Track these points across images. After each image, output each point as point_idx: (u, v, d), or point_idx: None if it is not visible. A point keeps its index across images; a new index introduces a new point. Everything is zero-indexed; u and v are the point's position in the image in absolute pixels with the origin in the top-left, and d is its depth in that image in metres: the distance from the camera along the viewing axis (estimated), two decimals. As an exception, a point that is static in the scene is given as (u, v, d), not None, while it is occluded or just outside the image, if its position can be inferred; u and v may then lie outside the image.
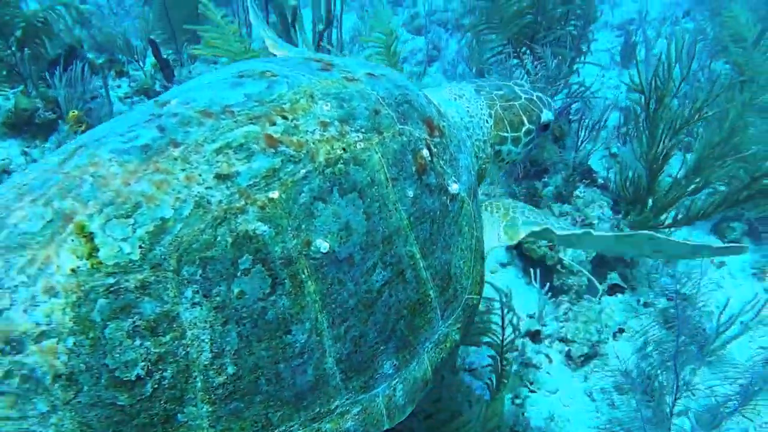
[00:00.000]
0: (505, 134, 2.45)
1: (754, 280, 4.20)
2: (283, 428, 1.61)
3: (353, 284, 1.66)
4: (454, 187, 1.97)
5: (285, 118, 1.69)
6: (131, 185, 1.52)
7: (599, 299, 3.88)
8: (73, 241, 1.44)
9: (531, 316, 3.74)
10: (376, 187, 1.73)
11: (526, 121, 2.47)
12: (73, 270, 1.41)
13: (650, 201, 4.05)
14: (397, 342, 1.80)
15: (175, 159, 1.57)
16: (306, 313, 1.58)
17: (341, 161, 1.68)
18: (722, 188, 4.14)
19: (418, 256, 1.82)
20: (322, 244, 1.59)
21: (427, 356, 1.90)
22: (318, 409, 1.66)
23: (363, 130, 1.77)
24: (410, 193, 1.81)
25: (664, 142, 3.58)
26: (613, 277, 4.05)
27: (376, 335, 1.73)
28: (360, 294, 1.68)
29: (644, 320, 3.83)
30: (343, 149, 1.70)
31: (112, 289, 1.41)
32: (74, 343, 1.37)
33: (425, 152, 1.89)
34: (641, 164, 3.92)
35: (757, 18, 5.96)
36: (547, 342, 3.76)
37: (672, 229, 4.12)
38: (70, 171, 1.61)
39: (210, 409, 1.50)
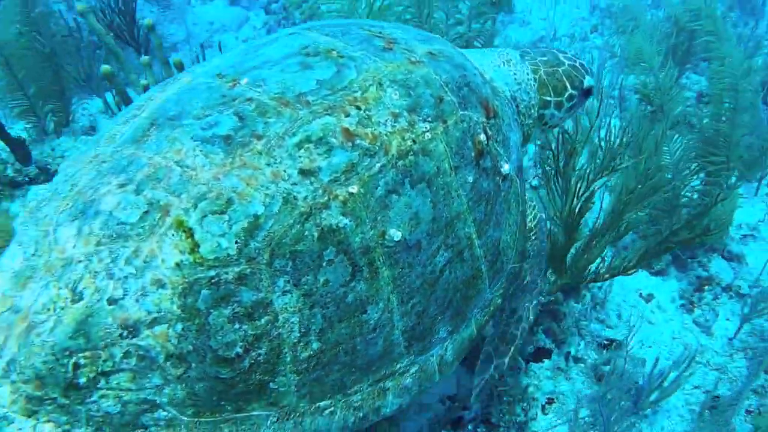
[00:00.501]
0: (549, 98, 2.56)
1: (683, 312, 4.05)
2: (355, 389, 1.86)
3: (420, 267, 1.85)
4: (505, 167, 2.12)
5: (358, 108, 1.79)
6: (221, 180, 1.64)
7: (525, 371, 3.52)
8: (173, 236, 1.58)
9: (452, 399, 3.29)
10: (441, 176, 1.87)
11: (569, 86, 2.57)
12: (177, 264, 1.56)
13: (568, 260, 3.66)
14: (452, 311, 2.02)
15: (260, 153, 1.68)
16: (380, 295, 1.77)
17: (411, 153, 1.81)
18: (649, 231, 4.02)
19: (474, 236, 2.00)
20: (396, 234, 1.76)
21: (474, 319, 2.14)
22: (383, 372, 1.91)
23: (429, 119, 1.88)
24: (470, 179, 1.96)
25: (577, 196, 3.24)
26: (539, 338, 3.65)
27: (436, 308, 1.94)
28: (425, 275, 1.87)
29: (575, 380, 3.55)
30: (413, 141, 1.82)
31: (213, 281, 1.58)
32: (182, 329, 1.56)
33: (482, 137, 2.01)
34: (556, 222, 3.56)
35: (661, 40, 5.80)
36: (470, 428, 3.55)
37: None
38: (153, 157, 1.72)
39: (296, 378, 1.72)
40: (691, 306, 4.05)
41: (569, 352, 3.61)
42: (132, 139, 1.83)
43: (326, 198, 1.67)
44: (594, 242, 3.49)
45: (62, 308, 1.56)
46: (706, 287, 4.11)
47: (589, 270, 3.59)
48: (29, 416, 1.58)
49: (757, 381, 3.47)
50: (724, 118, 4.33)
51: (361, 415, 1.90)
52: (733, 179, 4.14)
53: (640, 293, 4.06)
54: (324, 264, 1.67)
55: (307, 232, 1.64)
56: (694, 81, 6.11)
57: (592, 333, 3.69)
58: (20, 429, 1.57)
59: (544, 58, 2.64)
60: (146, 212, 1.62)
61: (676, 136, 4.01)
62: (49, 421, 1.58)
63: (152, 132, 1.79)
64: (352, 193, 1.70)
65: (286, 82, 1.83)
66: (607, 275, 3.56)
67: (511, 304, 2.60)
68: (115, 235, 1.61)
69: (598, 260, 3.57)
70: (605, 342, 3.62)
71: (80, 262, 1.60)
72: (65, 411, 1.57)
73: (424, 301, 1.89)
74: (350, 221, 1.70)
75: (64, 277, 1.59)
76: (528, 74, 2.54)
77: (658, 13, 7.27)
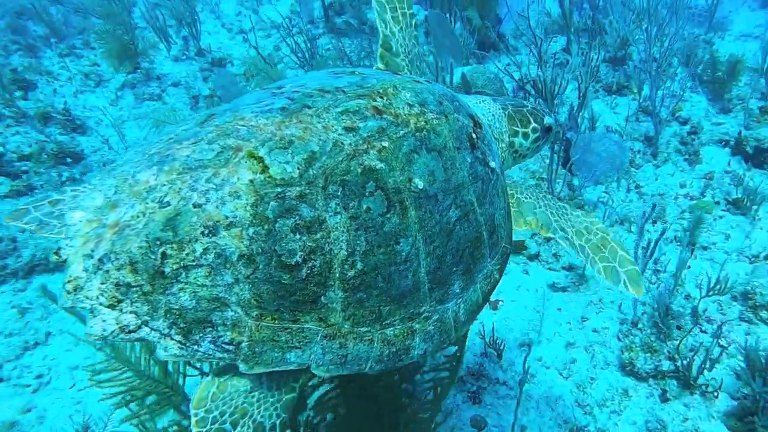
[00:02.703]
0: (517, 128, 3.21)
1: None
2: (388, 321, 2.14)
3: (438, 215, 2.27)
4: (492, 163, 2.67)
5: (382, 97, 2.36)
6: (282, 130, 2.10)
7: None
8: (246, 162, 1.99)
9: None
10: (448, 150, 2.39)
11: (532, 121, 3.25)
12: (251, 180, 1.95)
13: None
14: (463, 266, 2.39)
15: (311, 116, 2.17)
16: (409, 231, 2.16)
17: (425, 129, 2.35)
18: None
19: (475, 204, 2.46)
20: (419, 182, 2.21)
21: (480, 285, 2.50)
22: (411, 311, 2.21)
23: (435, 112, 2.46)
24: (468, 159, 2.49)
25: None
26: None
27: (451, 258, 2.32)
28: (442, 224, 2.28)
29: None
30: (425, 122, 2.37)
31: (279, 195, 1.96)
32: (253, 233, 1.90)
33: (474, 135, 2.60)
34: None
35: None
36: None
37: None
38: (219, 125, 2.18)
39: (343, 296, 2.02)
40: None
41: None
42: (196, 123, 2.28)
43: (366, 146, 2.14)
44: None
45: (152, 212, 1.88)
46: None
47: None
48: (113, 307, 1.81)
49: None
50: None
51: (394, 350, 2.15)
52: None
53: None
54: (366, 194, 2.07)
55: (352, 168, 2.08)
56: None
57: None
58: (104, 320, 1.78)
59: (512, 102, 3.36)
60: (220, 152, 2.03)
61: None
62: (131, 312, 1.80)
63: (214, 117, 2.25)
64: (385, 146, 2.18)
65: (323, 83, 2.39)
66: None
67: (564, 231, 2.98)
68: (194, 167, 2.00)
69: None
70: None
71: (164, 185, 1.95)
72: (147, 300, 1.81)
73: (442, 247, 2.27)
74: (385, 165, 2.15)
75: (150, 197, 1.93)
76: (498, 110, 3.22)
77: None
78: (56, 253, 1.90)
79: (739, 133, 6.78)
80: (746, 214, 5.99)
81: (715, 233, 5.79)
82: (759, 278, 5.04)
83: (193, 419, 1.90)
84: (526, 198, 2.98)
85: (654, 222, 5.99)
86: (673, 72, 8.06)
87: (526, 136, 3.21)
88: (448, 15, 8.07)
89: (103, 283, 1.81)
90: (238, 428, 1.91)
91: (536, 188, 3.23)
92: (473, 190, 2.46)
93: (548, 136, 3.38)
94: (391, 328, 2.16)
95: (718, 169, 6.58)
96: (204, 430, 1.88)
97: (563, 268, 5.80)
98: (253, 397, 1.98)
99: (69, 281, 1.82)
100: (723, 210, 6.10)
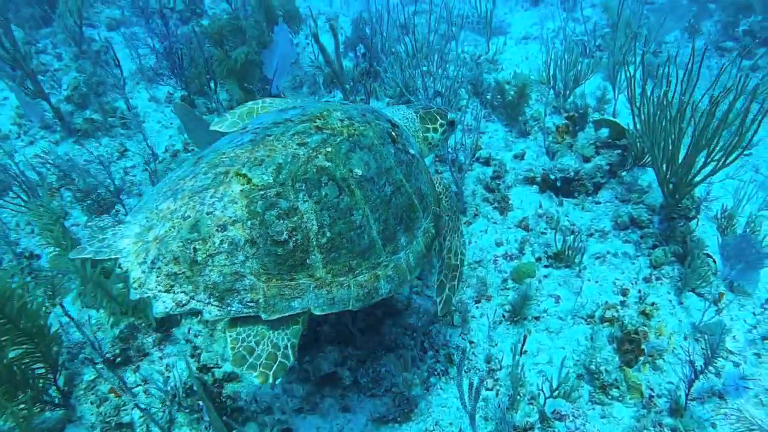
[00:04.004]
0: (428, 125, 4.25)
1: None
2: (358, 271, 3.15)
3: (377, 191, 3.28)
4: (411, 151, 3.71)
5: (320, 119, 3.40)
6: (254, 154, 3.13)
7: None
8: (235, 179, 3.02)
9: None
10: (375, 146, 3.42)
11: (439, 119, 4.29)
12: (241, 190, 2.98)
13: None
14: (404, 226, 3.41)
15: (273, 140, 3.21)
16: (358, 205, 3.18)
17: (355, 134, 3.38)
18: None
19: (404, 180, 3.48)
20: (358, 171, 3.23)
21: (420, 239, 3.52)
22: (373, 261, 3.22)
23: (360, 122, 3.49)
24: (392, 150, 3.52)
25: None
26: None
27: (394, 220, 3.34)
28: (382, 197, 3.29)
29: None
30: (354, 130, 3.41)
31: (263, 196, 2.98)
32: (251, 224, 2.92)
33: (393, 133, 3.63)
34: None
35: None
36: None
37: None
38: (208, 161, 3.20)
39: (321, 257, 3.03)
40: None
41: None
42: (189, 164, 3.33)
43: (315, 153, 3.17)
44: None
45: (179, 224, 2.93)
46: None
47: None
48: (168, 291, 2.83)
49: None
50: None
51: (366, 290, 3.17)
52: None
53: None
54: (322, 185, 3.10)
55: (309, 169, 3.10)
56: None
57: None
58: (164, 301, 2.82)
59: (420, 105, 4.42)
60: (215, 177, 3.07)
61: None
62: (181, 291, 2.83)
63: (202, 158, 3.29)
64: (329, 151, 3.21)
65: (275, 119, 3.47)
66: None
67: (446, 244, 3.90)
68: (199, 190, 3.04)
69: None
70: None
71: (182, 207, 2.99)
72: (190, 282, 2.84)
73: (384, 213, 3.29)
74: (331, 164, 3.18)
75: (175, 215, 2.97)
76: (412, 113, 4.27)
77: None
78: (119, 267, 2.97)
79: (544, 171, 6.29)
80: (571, 266, 5.46)
81: (544, 297, 5.17)
82: (711, 333, 4.71)
83: (228, 339, 2.92)
84: (444, 198, 4.02)
85: (477, 301, 5.11)
86: (465, 105, 7.39)
87: (435, 130, 4.27)
88: (212, 86, 7.39)
89: (158, 277, 2.85)
90: (261, 345, 2.91)
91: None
92: (400, 171, 3.48)
93: (453, 129, 4.41)
94: (361, 276, 3.17)
95: (531, 213, 5.96)
96: (236, 345, 2.89)
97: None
98: (270, 327, 2.98)
99: (134, 282, 2.87)
100: (546, 266, 5.49)
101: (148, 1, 10.30)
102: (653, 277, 5.31)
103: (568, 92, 7.57)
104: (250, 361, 2.84)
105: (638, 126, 5.53)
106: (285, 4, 8.90)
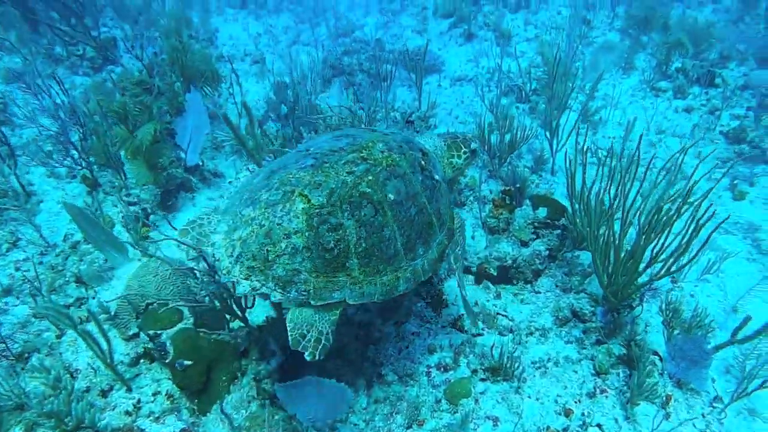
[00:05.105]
0: (453, 152, 5.38)
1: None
2: (383, 273, 4.20)
3: (404, 212, 4.31)
4: (436, 176, 4.74)
5: (365, 150, 4.42)
6: (314, 178, 4.14)
7: None
8: (299, 198, 4.02)
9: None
10: (406, 174, 4.44)
11: (463, 147, 5.41)
12: (303, 208, 3.99)
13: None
14: (423, 239, 4.44)
15: (328, 167, 4.21)
16: (389, 223, 4.21)
17: (392, 165, 4.40)
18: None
19: (426, 203, 4.51)
20: (391, 196, 4.26)
21: (435, 249, 4.57)
22: (396, 266, 4.26)
23: (396, 153, 4.50)
24: (419, 177, 4.53)
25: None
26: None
27: (415, 235, 4.37)
28: (407, 217, 4.32)
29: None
30: (392, 161, 4.43)
31: (318, 213, 4.00)
32: (308, 234, 3.94)
33: (422, 162, 4.65)
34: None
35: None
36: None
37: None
38: (279, 178, 4.21)
39: (357, 262, 4.08)
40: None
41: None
42: (264, 176, 4.37)
43: (359, 180, 4.19)
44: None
45: (257, 230, 3.95)
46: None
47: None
48: (247, 279, 3.87)
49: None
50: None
51: (388, 288, 4.22)
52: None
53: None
54: (363, 206, 4.11)
55: (353, 194, 4.11)
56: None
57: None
58: (244, 285, 3.90)
59: (448, 135, 5.52)
60: (284, 194, 4.05)
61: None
62: (256, 280, 3.87)
63: (274, 173, 4.34)
64: (370, 179, 4.22)
65: (331, 145, 4.46)
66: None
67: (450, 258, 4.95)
68: (272, 204, 4.03)
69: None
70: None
71: (259, 216, 4.00)
72: (263, 274, 3.87)
73: (408, 229, 4.33)
74: (371, 190, 4.18)
75: (254, 222, 3.98)
76: (440, 143, 5.39)
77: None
78: (213, 257, 4.05)
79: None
80: (509, 379, 5.33)
81: (481, 420, 5.03)
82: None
83: (289, 328, 3.96)
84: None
85: (408, 427, 4.99)
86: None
87: (459, 157, 5.42)
88: (122, 177, 7.18)
89: (240, 268, 3.92)
90: (310, 332, 3.98)
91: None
92: (424, 195, 4.55)
93: (474, 156, 5.55)
94: (386, 277, 4.25)
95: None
96: (295, 331, 3.96)
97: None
98: (315, 316, 4.04)
99: (224, 269, 3.95)
100: (482, 379, 5.34)
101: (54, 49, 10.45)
102: (597, 391, 5.24)
103: (503, 158, 8.05)
104: (303, 343, 3.93)
105: (579, 223, 5.84)
106: (202, 63, 9.12)
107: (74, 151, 7.57)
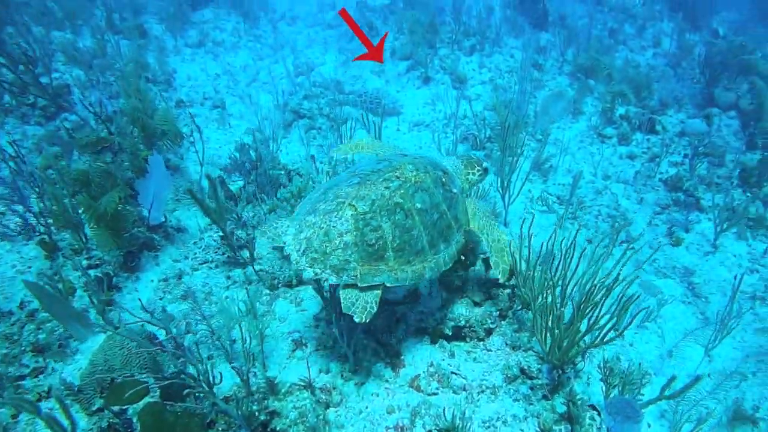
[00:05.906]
0: (469, 170, 6.51)
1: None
2: (413, 263, 5.16)
3: (429, 217, 5.30)
4: (455, 189, 5.78)
5: (398, 170, 5.45)
6: (359, 192, 5.14)
7: None
8: (347, 207, 5.01)
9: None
10: (430, 188, 5.46)
11: (477, 166, 6.55)
12: (351, 214, 4.97)
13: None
14: (443, 238, 5.44)
15: (370, 184, 5.21)
16: (416, 226, 5.20)
17: (419, 181, 5.44)
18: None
19: (446, 210, 5.54)
20: (418, 205, 5.25)
21: (454, 246, 5.58)
22: (422, 258, 5.21)
23: (422, 172, 5.54)
24: (441, 191, 5.55)
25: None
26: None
27: (437, 235, 5.37)
28: (431, 220, 5.32)
29: None
30: (419, 178, 5.47)
31: (363, 218, 4.98)
32: (355, 234, 4.92)
33: (444, 179, 5.71)
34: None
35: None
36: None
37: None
38: (335, 192, 5.25)
39: (393, 254, 5.03)
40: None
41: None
42: (321, 192, 5.43)
43: (394, 194, 5.17)
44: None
45: (318, 231, 4.93)
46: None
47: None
48: (310, 267, 4.88)
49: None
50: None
51: (417, 275, 5.11)
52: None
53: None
54: (396, 212, 5.08)
55: (389, 204, 5.06)
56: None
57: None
58: (308, 272, 4.90)
59: (465, 156, 6.61)
60: (337, 205, 5.04)
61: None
62: (318, 268, 4.91)
63: (329, 190, 5.34)
64: (402, 192, 5.22)
65: (373, 167, 5.48)
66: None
67: (487, 237, 6.00)
68: (329, 211, 5.02)
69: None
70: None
71: (319, 221, 4.99)
72: (323, 263, 4.84)
73: (432, 230, 5.30)
74: (403, 200, 5.14)
75: (316, 225, 4.99)
76: (459, 163, 6.51)
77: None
78: (284, 251, 5.04)
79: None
80: None
81: None
82: None
83: (342, 298, 4.81)
84: (479, 215, 6.15)
85: None
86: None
87: (473, 174, 6.55)
88: (82, 239, 7.16)
89: (306, 259, 4.86)
90: (358, 301, 4.84)
91: (486, 209, 6.34)
92: (445, 204, 5.52)
93: (486, 173, 6.68)
94: (415, 266, 5.16)
95: (423, 370, 5.92)
96: (347, 300, 4.81)
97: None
98: (361, 293, 4.84)
99: (294, 261, 4.89)
100: None
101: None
102: (542, 451, 4.90)
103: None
104: (352, 309, 4.80)
105: (523, 292, 6.11)
106: (164, 123, 9.38)
107: (29, 214, 7.42)
